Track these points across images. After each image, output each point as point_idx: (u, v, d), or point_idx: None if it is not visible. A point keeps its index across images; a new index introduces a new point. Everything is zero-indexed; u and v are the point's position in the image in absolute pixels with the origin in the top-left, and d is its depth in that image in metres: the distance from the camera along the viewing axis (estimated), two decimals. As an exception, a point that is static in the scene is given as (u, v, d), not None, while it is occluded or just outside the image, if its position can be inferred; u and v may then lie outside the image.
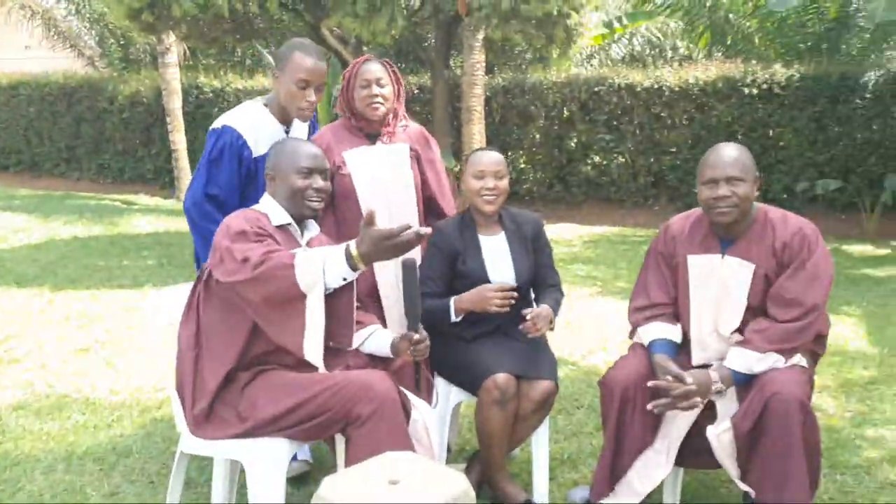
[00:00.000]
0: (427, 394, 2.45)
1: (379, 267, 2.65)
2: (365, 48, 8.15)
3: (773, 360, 2.22)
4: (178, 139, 10.34)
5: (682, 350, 2.43)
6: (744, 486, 2.22)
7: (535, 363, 2.53)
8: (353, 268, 2.01)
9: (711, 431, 2.21)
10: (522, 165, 9.81)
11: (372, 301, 2.64)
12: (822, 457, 2.25)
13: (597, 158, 9.47)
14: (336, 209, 2.69)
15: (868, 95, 8.37)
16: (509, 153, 9.73)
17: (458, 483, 1.64)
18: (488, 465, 2.54)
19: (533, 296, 2.75)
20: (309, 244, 2.29)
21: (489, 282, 2.57)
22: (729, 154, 2.31)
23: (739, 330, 2.35)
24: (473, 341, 2.58)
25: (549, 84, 9.62)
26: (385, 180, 2.69)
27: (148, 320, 4.71)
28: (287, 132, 2.65)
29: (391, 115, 2.73)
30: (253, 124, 2.58)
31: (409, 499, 1.56)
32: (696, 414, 2.28)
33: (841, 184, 8.10)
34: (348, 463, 2.02)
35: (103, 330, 4.61)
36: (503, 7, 6.41)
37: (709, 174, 2.30)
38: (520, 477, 2.74)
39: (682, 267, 2.44)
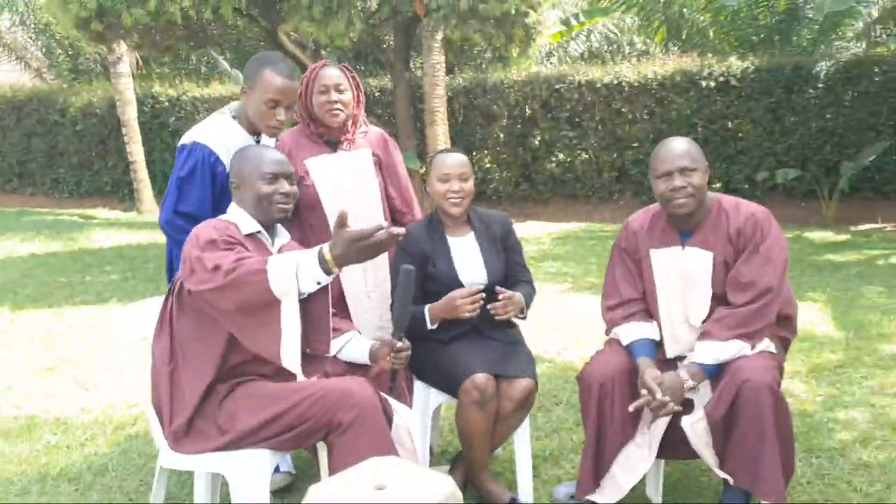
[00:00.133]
0: (403, 400, 2.43)
1: (346, 276, 2.62)
2: (323, 52, 8.09)
3: (739, 348, 2.25)
4: (136, 150, 10.16)
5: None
6: (722, 474, 2.25)
7: (512, 361, 2.53)
8: (327, 271, 1.97)
9: (686, 421, 2.23)
10: (487, 165, 9.85)
11: (339, 310, 2.61)
12: (794, 440, 2.30)
13: (561, 155, 9.55)
14: (302, 220, 2.66)
15: (820, 85, 8.59)
16: (474, 153, 9.76)
17: (445, 485, 1.63)
18: (471, 465, 2.53)
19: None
20: (279, 252, 2.26)
21: (460, 283, 2.57)
22: (678, 146, 2.36)
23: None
24: (450, 343, 2.57)
25: (510, 83, 9.67)
26: (349, 188, 2.66)
27: (115, 336, 4.60)
28: (258, 143, 2.61)
29: (350, 122, 2.69)
30: (223, 138, 2.52)
31: (398, 502, 1.54)
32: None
33: (799, 172, 8.29)
34: (332, 471, 2.00)
35: (69, 348, 4.50)
36: (461, 7, 6.42)
37: (661, 168, 2.34)
38: (503, 476, 2.74)
39: (645, 262, 2.47)
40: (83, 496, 2.71)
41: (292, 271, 1.96)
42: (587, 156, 9.46)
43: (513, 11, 6.67)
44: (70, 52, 12.77)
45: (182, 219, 2.48)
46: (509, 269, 2.70)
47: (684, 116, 9.01)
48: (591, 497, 2.37)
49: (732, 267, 2.33)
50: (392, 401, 2.22)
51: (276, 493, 2.59)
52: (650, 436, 2.33)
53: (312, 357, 2.17)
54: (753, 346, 2.26)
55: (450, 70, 9.84)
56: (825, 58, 8.87)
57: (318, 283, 2.01)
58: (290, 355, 2.02)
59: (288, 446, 2.11)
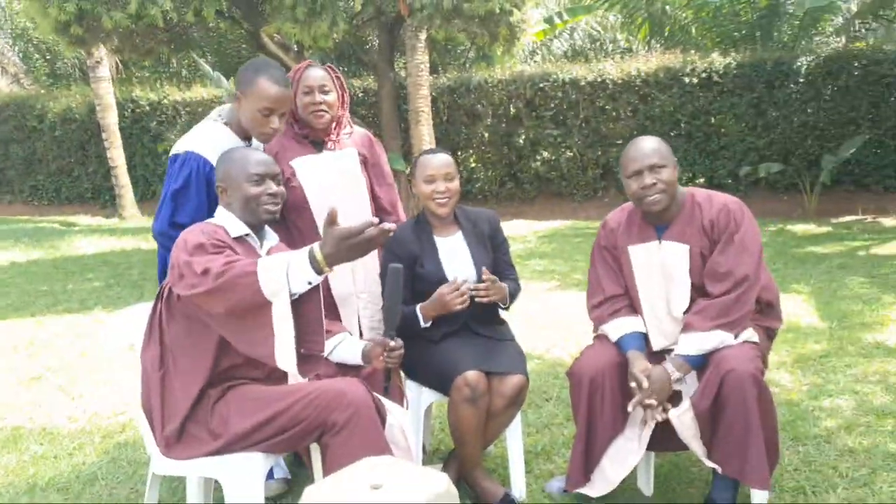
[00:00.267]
0: (399, 399, 2.43)
1: (335, 278, 2.61)
2: (306, 53, 8.06)
3: (721, 338, 2.27)
4: (117, 155, 10.07)
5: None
6: (710, 464, 2.27)
7: (503, 358, 2.54)
8: (318, 271, 1.96)
9: (673, 413, 2.26)
10: (473, 164, 9.86)
11: (329, 312, 2.59)
12: (779, 428, 2.33)
13: (546, 154, 9.58)
14: (289, 222, 2.64)
15: (801, 80, 8.68)
16: (459, 153, 9.76)
17: (441, 482, 1.63)
18: (464, 462, 2.53)
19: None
20: (268, 254, 2.24)
21: (447, 282, 2.57)
22: (646, 145, 2.39)
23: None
24: (441, 341, 2.58)
25: (494, 82, 9.68)
26: (336, 187, 2.65)
27: (101, 344, 4.56)
28: (249, 146, 2.58)
29: (335, 124, 2.68)
30: (216, 146, 2.47)
31: (394, 501, 1.54)
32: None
33: (782, 166, 8.37)
34: (327, 472, 1.99)
35: (54, 357, 4.45)
36: (445, 6, 6.42)
37: (632, 167, 2.38)
38: (496, 472, 2.75)
39: (624, 258, 2.50)
40: (73, 505, 2.68)
41: (283, 272, 1.94)
42: (572, 154, 9.50)
43: (497, 10, 6.68)
44: (48, 57, 12.65)
45: (178, 230, 2.44)
46: (496, 268, 2.70)
47: (668, 113, 9.07)
48: (582, 490, 2.40)
49: (709, 258, 2.37)
50: (385, 400, 2.22)
51: (272, 499, 2.58)
52: (639, 428, 2.35)
53: (308, 357, 2.15)
54: (736, 336, 2.29)
55: (434, 70, 9.85)
56: (806, 53, 8.96)
57: (309, 284, 1.99)
58: (286, 356, 2.00)
59: (281, 448, 2.10)
